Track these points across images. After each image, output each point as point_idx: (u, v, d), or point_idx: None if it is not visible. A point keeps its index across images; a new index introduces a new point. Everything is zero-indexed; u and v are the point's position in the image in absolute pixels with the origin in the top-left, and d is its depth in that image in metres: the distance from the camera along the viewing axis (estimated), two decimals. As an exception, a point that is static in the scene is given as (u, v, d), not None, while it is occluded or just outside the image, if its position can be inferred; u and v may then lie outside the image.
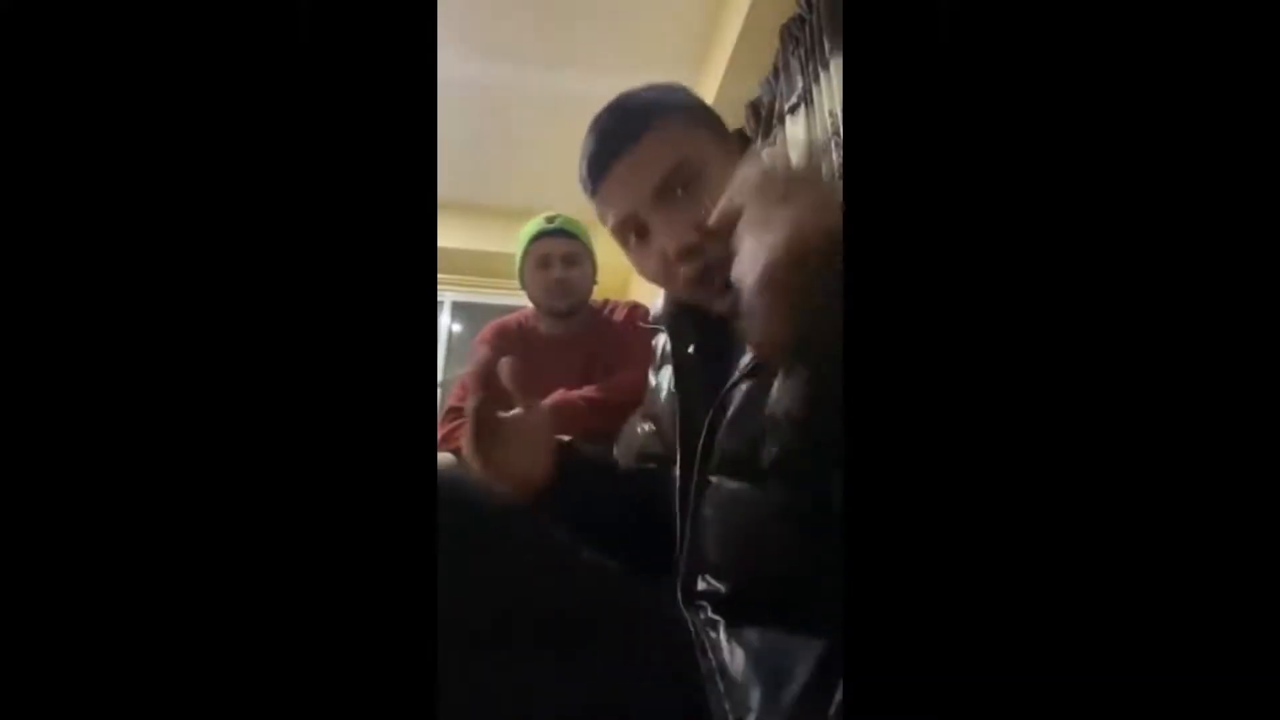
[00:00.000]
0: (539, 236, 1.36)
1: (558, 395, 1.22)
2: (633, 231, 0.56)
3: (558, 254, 1.35)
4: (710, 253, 0.51)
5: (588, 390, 1.22)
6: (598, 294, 1.44)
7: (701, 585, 0.51)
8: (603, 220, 0.59)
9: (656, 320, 0.67)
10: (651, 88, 0.58)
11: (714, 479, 0.52)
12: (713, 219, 0.38)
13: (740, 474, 0.51)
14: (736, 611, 0.47)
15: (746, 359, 0.53)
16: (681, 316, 0.64)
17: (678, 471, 0.58)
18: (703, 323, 0.63)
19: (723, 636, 0.46)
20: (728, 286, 0.50)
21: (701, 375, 0.60)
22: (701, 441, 0.53)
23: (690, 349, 0.63)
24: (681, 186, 0.53)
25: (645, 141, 0.54)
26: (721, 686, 0.43)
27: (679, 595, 0.53)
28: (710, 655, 0.45)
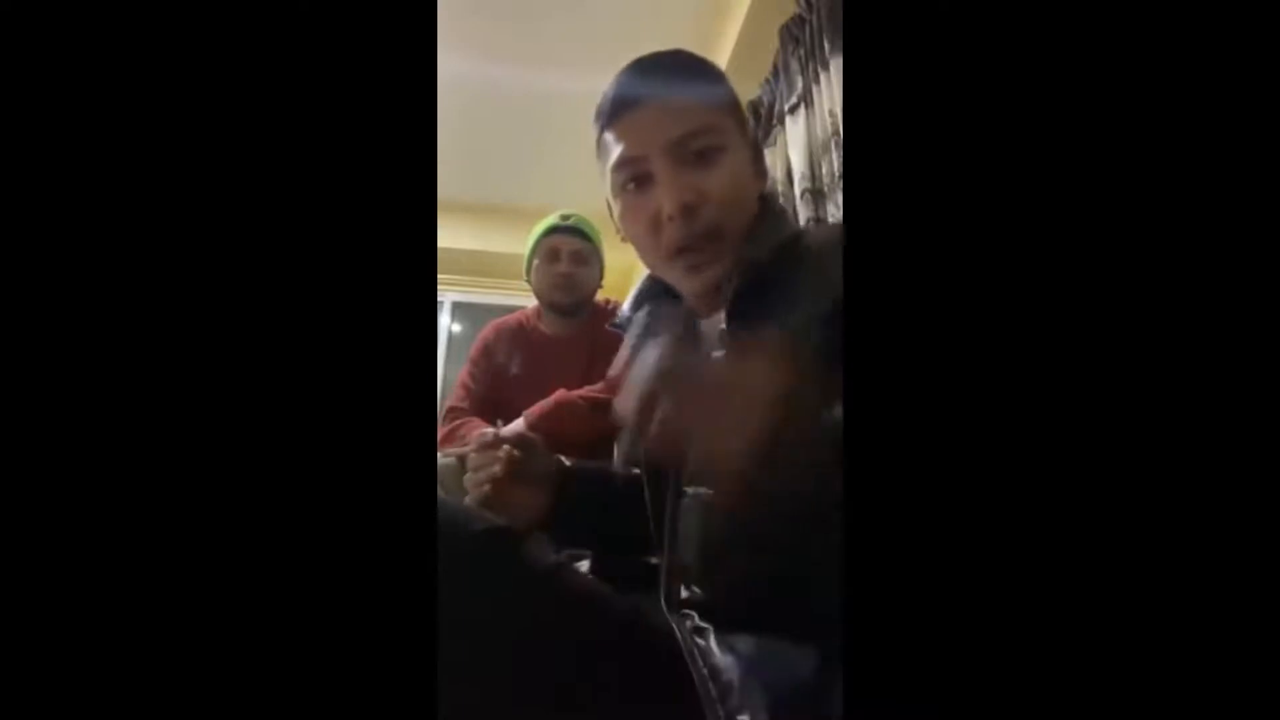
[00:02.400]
0: (552, 231, 1.37)
1: (558, 394, 1.22)
2: (632, 177, 0.55)
3: (567, 249, 1.35)
4: (705, 219, 0.52)
5: (588, 389, 1.22)
6: (600, 294, 1.45)
7: (685, 594, 0.51)
8: (602, 157, 0.57)
9: (622, 322, 0.66)
10: (714, 65, 0.59)
11: (688, 489, 0.52)
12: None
13: (712, 482, 0.50)
14: (723, 619, 0.47)
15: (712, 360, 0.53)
16: (645, 318, 0.64)
17: (645, 483, 0.57)
18: (664, 324, 0.63)
19: (712, 643, 0.46)
20: (705, 265, 0.54)
21: None
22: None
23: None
24: (699, 152, 0.53)
25: (687, 95, 0.54)
26: (714, 692, 0.42)
27: (663, 605, 0.52)
28: (701, 662, 0.44)
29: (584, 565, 0.67)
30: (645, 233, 0.56)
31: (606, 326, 0.64)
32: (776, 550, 0.45)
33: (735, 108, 0.59)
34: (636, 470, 0.70)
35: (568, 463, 0.66)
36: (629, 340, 0.64)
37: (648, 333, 0.63)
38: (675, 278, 0.58)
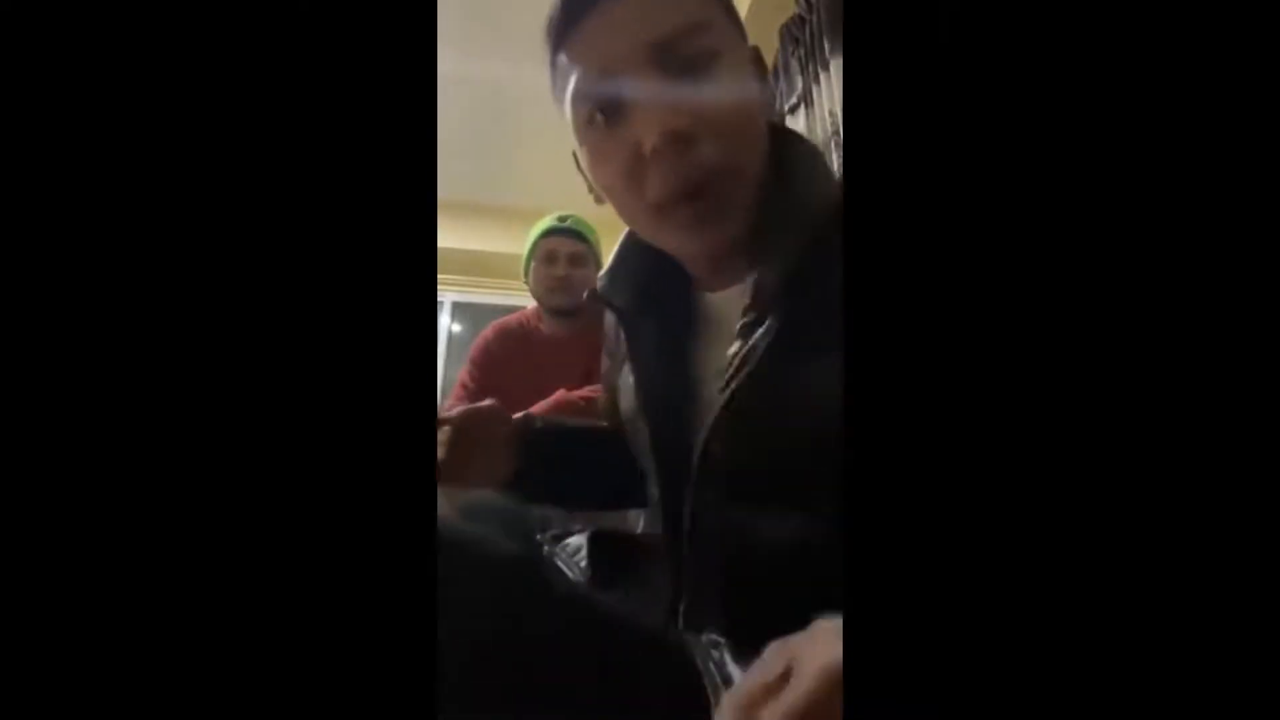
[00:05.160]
0: (549, 233, 1.37)
1: (558, 395, 1.22)
2: (599, 106, 0.41)
3: (564, 252, 1.35)
4: (702, 153, 0.39)
5: (588, 390, 1.22)
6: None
7: (704, 612, 0.47)
8: (558, 88, 0.43)
9: (604, 293, 0.51)
10: None
11: (712, 503, 0.45)
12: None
13: (749, 498, 0.43)
14: (744, 637, 0.43)
15: (733, 351, 0.42)
16: (632, 289, 0.51)
17: (656, 491, 0.49)
18: (661, 298, 0.51)
19: (727, 657, 0.43)
20: (710, 218, 0.41)
21: (667, 375, 0.50)
22: (695, 462, 0.45)
23: (650, 339, 0.51)
24: (686, 61, 0.39)
25: None
26: (719, 678, 0.42)
27: (679, 622, 0.48)
28: (716, 674, 0.42)
29: (575, 540, 0.65)
30: (622, 180, 0.41)
31: (584, 296, 0.55)
32: (797, 567, 0.41)
33: (728, 1, 0.44)
34: (605, 424, 0.63)
35: (539, 423, 0.59)
36: (618, 321, 0.53)
37: (640, 312, 0.52)
38: (670, 239, 0.44)
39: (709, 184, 0.40)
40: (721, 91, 0.39)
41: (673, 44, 0.39)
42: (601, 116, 0.41)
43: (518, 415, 0.60)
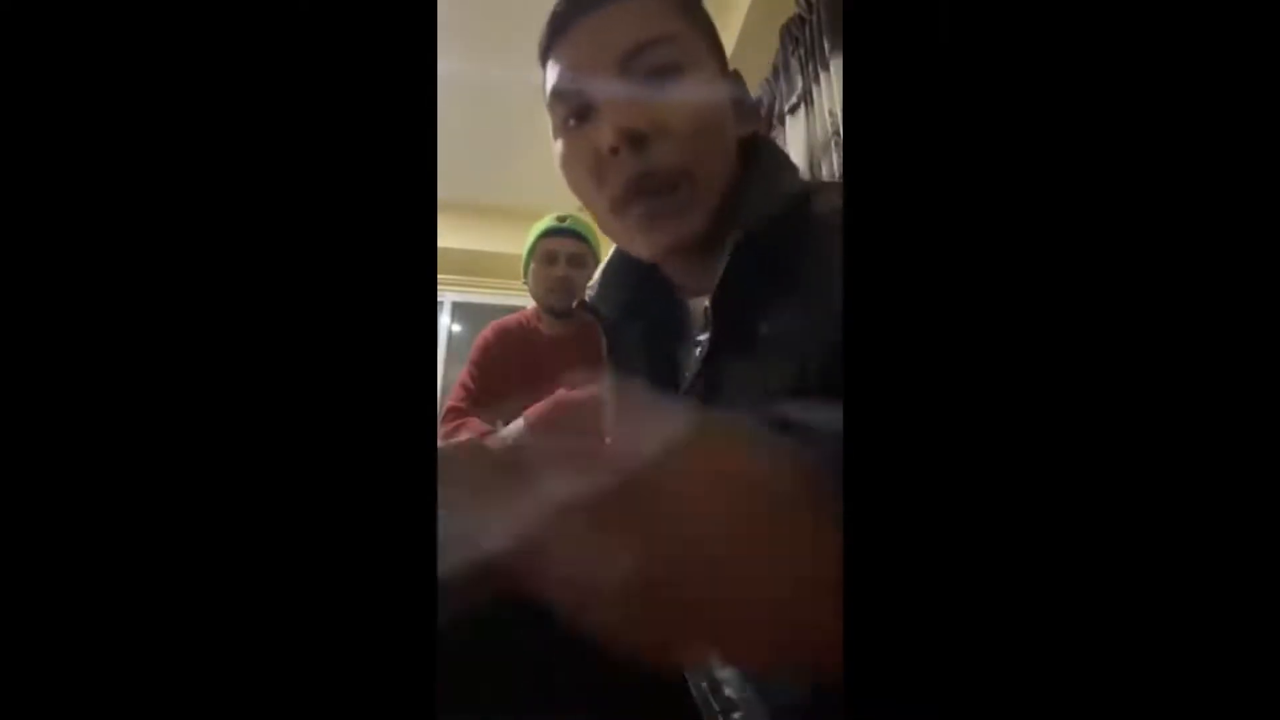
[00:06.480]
0: (548, 233, 1.37)
1: (558, 394, 1.22)
2: (573, 110, 0.45)
3: (564, 252, 1.35)
4: (659, 156, 0.42)
5: (588, 389, 1.22)
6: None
7: None
8: (545, 92, 0.48)
9: (594, 304, 0.55)
10: None
11: None
12: None
13: None
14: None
15: (697, 355, 0.44)
16: (620, 300, 0.54)
17: None
18: (646, 307, 0.53)
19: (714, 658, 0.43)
20: (663, 217, 0.42)
21: (649, 381, 0.52)
22: None
23: (634, 345, 0.54)
24: (651, 71, 0.43)
25: (623, 4, 0.44)
26: (717, 706, 0.41)
27: None
28: (702, 676, 0.42)
29: None
30: (587, 179, 0.45)
31: (575, 307, 0.59)
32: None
33: (701, 19, 0.48)
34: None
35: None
36: (606, 323, 0.55)
37: (624, 320, 0.54)
38: (626, 235, 0.47)
39: (662, 184, 0.43)
40: (681, 98, 0.43)
41: (636, 55, 0.42)
42: (573, 120, 0.45)
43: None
